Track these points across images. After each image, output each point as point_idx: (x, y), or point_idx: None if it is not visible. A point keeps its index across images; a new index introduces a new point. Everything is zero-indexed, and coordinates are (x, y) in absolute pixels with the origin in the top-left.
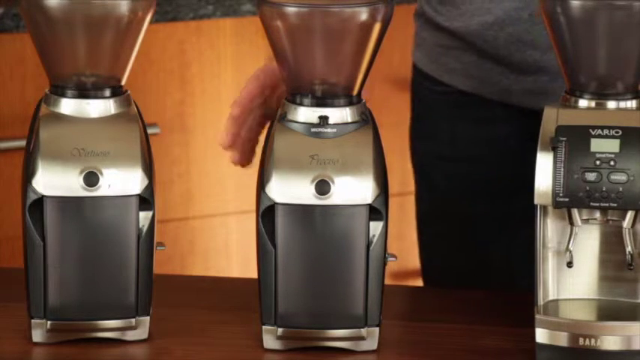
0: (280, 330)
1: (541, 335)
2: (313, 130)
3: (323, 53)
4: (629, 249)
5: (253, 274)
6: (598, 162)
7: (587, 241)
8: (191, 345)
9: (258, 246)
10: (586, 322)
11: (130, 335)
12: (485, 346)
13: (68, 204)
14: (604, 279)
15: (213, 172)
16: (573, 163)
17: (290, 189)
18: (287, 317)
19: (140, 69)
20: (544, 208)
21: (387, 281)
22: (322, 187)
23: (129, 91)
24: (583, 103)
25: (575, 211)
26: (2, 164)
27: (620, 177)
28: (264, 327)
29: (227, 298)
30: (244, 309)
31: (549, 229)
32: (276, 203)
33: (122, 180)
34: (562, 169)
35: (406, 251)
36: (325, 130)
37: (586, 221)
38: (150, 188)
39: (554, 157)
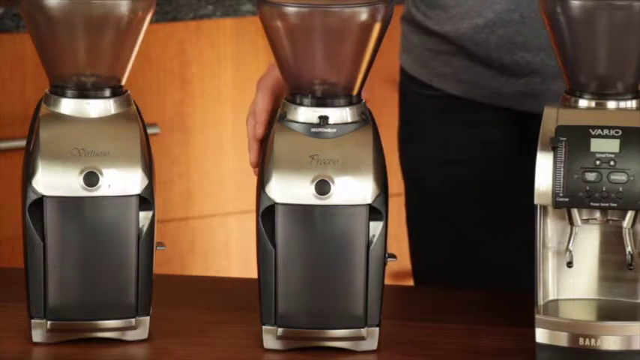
0: (280, 330)
1: (541, 335)
2: (313, 130)
3: (323, 53)
4: (629, 249)
5: (253, 274)
6: (598, 162)
7: (587, 241)
8: (191, 345)
9: (258, 246)
10: (586, 322)
11: (130, 335)
12: (485, 346)
13: (68, 204)
14: (604, 279)
15: (213, 172)
16: (573, 163)
17: (290, 189)
18: (287, 317)
19: (140, 69)
20: (544, 208)
21: (387, 281)
22: (322, 187)
23: (129, 91)
24: (583, 103)
25: (575, 211)
26: (2, 164)
27: (620, 177)
28: (264, 327)
29: (227, 298)
30: (244, 309)
31: (549, 229)
32: (276, 203)
33: (122, 180)
34: (562, 169)
35: (406, 251)
36: (325, 130)
37: (586, 221)
38: (150, 188)
39: (554, 157)
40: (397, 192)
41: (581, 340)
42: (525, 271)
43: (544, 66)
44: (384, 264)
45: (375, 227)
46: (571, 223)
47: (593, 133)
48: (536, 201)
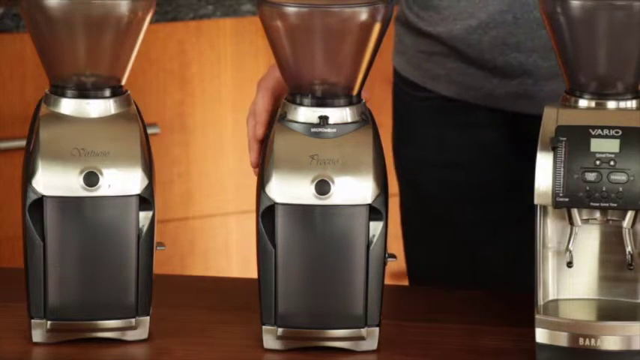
0: (280, 330)
1: (541, 335)
2: (313, 130)
3: (323, 53)
4: (629, 249)
5: (253, 274)
6: (598, 162)
7: (587, 241)
8: (191, 345)
9: (258, 246)
10: (586, 322)
11: (130, 335)
12: (485, 346)
13: (68, 204)
14: (604, 279)
15: (213, 172)
16: (573, 163)
17: (290, 189)
18: (287, 317)
19: (140, 69)
20: (544, 208)
21: (387, 281)
22: (322, 187)
23: (129, 91)
24: (583, 103)
25: (575, 211)
26: (2, 164)
27: (620, 177)
28: (264, 327)
29: (227, 298)
30: (244, 309)
31: (549, 229)
32: (276, 203)
33: (122, 180)
34: (562, 169)
35: None
36: (325, 130)
37: (586, 221)
38: (150, 188)
39: (554, 157)
40: (397, 192)
41: (581, 340)
42: (521, 271)
43: (537, 67)
44: (384, 264)
45: (375, 227)
46: (571, 223)
47: (593, 133)
48: (536, 201)
